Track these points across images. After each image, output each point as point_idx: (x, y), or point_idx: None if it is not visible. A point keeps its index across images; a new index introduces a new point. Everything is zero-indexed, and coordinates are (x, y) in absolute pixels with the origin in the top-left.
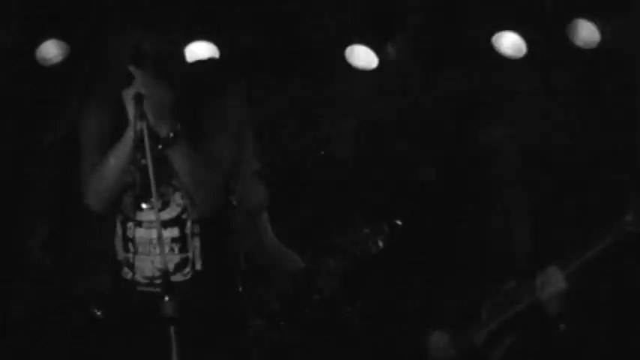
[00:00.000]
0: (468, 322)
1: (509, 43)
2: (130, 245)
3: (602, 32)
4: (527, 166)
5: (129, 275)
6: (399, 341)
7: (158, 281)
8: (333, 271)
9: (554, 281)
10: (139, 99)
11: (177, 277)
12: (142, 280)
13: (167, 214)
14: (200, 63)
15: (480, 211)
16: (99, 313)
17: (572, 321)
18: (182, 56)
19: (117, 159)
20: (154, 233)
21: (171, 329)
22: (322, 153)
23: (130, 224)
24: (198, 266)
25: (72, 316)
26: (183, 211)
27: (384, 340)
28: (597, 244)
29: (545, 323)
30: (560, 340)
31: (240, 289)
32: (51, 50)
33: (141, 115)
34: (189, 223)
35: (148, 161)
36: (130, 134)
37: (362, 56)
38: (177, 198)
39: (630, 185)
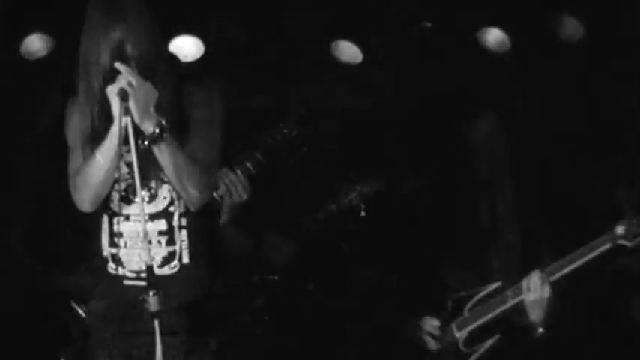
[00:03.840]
0: (452, 317)
1: (494, 38)
2: (118, 239)
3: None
4: (516, 161)
5: (115, 270)
6: (383, 330)
7: (145, 274)
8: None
9: (539, 287)
10: (123, 95)
11: (164, 270)
12: (129, 274)
13: (154, 207)
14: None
15: (469, 206)
16: (81, 311)
17: (553, 326)
18: (165, 52)
19: (103, 156)
20: (141, 226)
21: (156, 323)
22: (305, 149)
23: (118, 218)
24: (185, 259)
25: (54, 313)
26: (171, 203)
27: (368, 330)
28: (586, 253)
29: (524, 326)
30: (538, 344)
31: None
32: (35, 44)
33: (125, 111)
34: (176, 216)
35: (133, 157)
36: (115, 131)
37: (346, 51)
38: (165, 191)
39: (623, 195)
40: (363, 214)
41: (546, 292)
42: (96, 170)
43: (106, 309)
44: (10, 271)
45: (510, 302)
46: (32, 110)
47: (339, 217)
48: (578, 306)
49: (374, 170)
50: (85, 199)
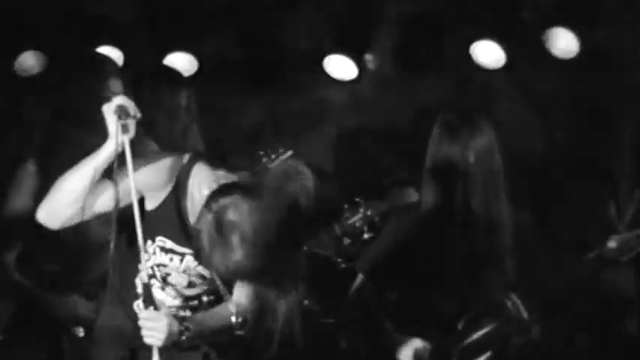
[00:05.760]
0: (446, 334)
1: (488, 53)
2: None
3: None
4: (510, 178)
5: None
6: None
7: None
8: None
9: (516, 309)
10: (120, 112)
11: (186, 312)
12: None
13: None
14: None
15: (462, 224)
16: (81, 333)
17: (541, 344)
18: None
19: (88, 167)
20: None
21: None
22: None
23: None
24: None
25: (52, 336)
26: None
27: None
28: (573, 271)
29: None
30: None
31: None
32: (29, 61)
33: (123, 129)
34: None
35: (133, 195)
36: (110, 149)
37: (340, 66)
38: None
39: (614, 210)
40: (366, 236)
41: (523, 315)
42: (71, 188)
43: (114, 332)
44: (5, 291)
45: (496, 322)
46: (25, 127)
47: (341, 239)
48: (569, 321)
49: (377, 191)
50: (48, 215)
